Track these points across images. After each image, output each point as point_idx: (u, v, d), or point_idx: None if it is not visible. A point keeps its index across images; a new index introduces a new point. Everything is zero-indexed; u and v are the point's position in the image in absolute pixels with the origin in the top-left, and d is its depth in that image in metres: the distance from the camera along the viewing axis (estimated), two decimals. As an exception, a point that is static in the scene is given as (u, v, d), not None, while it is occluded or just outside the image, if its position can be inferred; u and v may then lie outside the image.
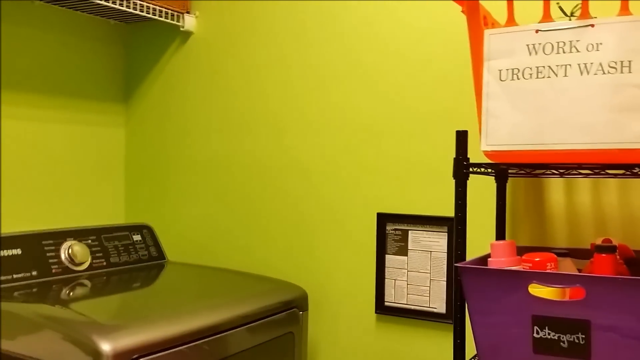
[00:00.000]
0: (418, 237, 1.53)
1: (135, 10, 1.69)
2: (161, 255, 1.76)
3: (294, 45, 1.69)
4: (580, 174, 1.13)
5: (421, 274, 1.53)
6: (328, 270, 1.64)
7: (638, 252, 1.18)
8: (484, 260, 1.09)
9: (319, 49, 1.65)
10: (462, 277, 0.98)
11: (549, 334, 0.93)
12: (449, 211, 1.48)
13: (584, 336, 0.90)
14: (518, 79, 0.92)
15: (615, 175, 1.04)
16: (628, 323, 0.87)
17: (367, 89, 1.58)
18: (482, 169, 1.03)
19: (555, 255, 1.00)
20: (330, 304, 1.64)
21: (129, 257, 1.66)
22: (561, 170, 1.03)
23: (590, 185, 1.31)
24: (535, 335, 0.94)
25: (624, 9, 0.86)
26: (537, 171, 1.12)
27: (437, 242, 1.51)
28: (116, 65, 1.97)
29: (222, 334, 1.22)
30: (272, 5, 1.73)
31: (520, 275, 0.94)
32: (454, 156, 1.04)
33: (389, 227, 1.57)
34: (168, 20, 1.79)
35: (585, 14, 0.87)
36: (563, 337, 0.92)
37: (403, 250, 1.55)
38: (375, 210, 1.57)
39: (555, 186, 1.34)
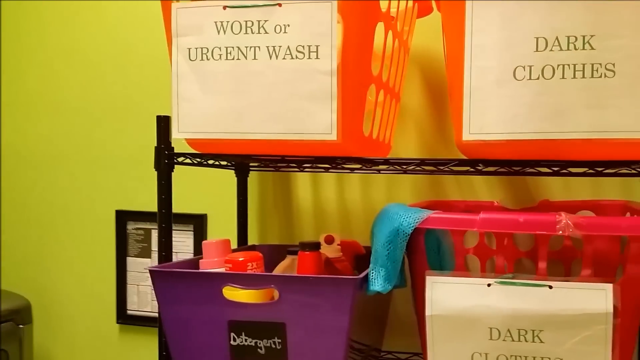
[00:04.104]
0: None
1: None
2: None
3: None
4: (302, 168, 1.12)
5: (166, 278, 1.45)
6: (59, 277, 1.51)
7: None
8: (197, 262, 1.05)
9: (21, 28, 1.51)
10: (153, 281, 0.92)
11: (245, 340, 0.90)
12: (196, 208, 1.42)
13: (280, 340, 0.89)
14: (208, 59, 0.87)
15: (326, 169, 1.04)
16: (321, 321, 0.86)
17: (96, 71, 1.47)
18: (187, 159, 0.98)
19: (259, 254, 0.97)
20: (63, 316, 1.51)
21: None
22: (274, 164, 1.01)
23: (335, 179, 1.33)
24: (232, 342, 0.91)
25: (312, -10, 0.85)
26: (244, 163, 1.09)
27: (184, 241, 1.45)
28: None
29: None
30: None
31: (214, 277, 0.90)
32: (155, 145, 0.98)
33: (130, 226, 1.47)
34: None
35: (273, -9, 0.85)
36: (260, 343, 0.90)
37: (146, 252, 1.47)
38: (113, 207, 1.47)
39: (301, 180, 1.35)
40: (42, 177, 1.52)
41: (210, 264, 1.01)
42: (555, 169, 0.84)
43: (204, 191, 1.41)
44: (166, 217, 1.00)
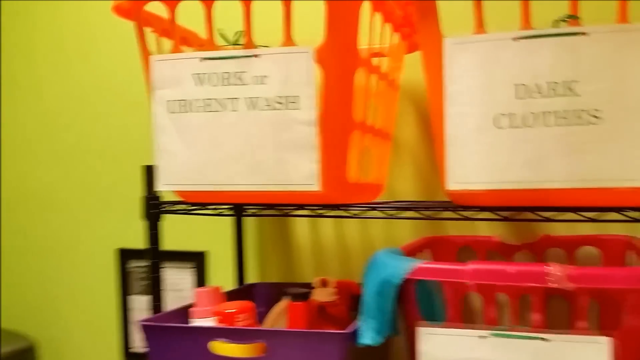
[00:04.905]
0: (164, 275, 1.44)
1: None
2: None
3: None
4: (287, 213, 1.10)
5: (169, 316, 1.44)
6: (62, 316, 1.51)
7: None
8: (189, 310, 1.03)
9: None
10: (143, 334, 0.90)
11: (234, 396, 0.88)
12: (196, 245, 1.41)
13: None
14: (187, 111, 0.86)
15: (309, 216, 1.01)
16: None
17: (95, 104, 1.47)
18: (175, 208, 0.96)
19: (250, 305, 0.95)
20: (67, 355, 1.50)
21: None
22: (260, 210, 0.99)
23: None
24: (221, 398, 0.88)
25: (288, 40, 0.83)
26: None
27: (185, 278, 1.44)
28: None
29: None
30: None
31: (202, 332, 0.88)
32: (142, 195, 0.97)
33: (132, 265, 1.46)
34: None
35: (249, 42, 0.84)
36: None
37: (148, 290, 1.45)
38: (114, 246, 1.46)
39: (300, 219, 1.32)
40: (43, 217, 1.52)
41: (202, 313, 0.99)
42: (545, 215, 0.81)
43: (203, 228, 1.40)
44: (156, 267, 0.98)
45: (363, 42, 0.88)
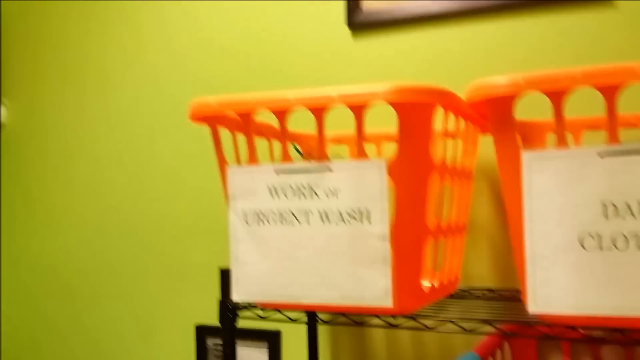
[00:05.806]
0: (240, 353, 1.44)
1: None
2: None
3: (105, 138, 1.60)
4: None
5: (245, 395, 1.43)
6: (143, 393, 1.52)
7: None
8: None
9: (127, 145, 1.57)
10: None
11: None
12: (267, 324, 1.40)
13: None
14: (263, 223, 0.85)
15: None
16: None
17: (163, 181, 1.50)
18: (251, 314, 0.95)
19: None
20: None
21: None
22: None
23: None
24: None
25: (361, 152, 0.81)
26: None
27: (259, 357, 1.42)
28: None
29: None
30: (82, 94, 1.64)
31: None
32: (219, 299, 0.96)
33: (210, 342, 1.46)
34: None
35: (322, 155, 0.82)
36: None
37: (225, 370, 1.45)
38: (193, 322, 1.47)
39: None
40: (120, 293, 1.55)
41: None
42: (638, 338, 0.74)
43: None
44: (231, 369, 0.97)
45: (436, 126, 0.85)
